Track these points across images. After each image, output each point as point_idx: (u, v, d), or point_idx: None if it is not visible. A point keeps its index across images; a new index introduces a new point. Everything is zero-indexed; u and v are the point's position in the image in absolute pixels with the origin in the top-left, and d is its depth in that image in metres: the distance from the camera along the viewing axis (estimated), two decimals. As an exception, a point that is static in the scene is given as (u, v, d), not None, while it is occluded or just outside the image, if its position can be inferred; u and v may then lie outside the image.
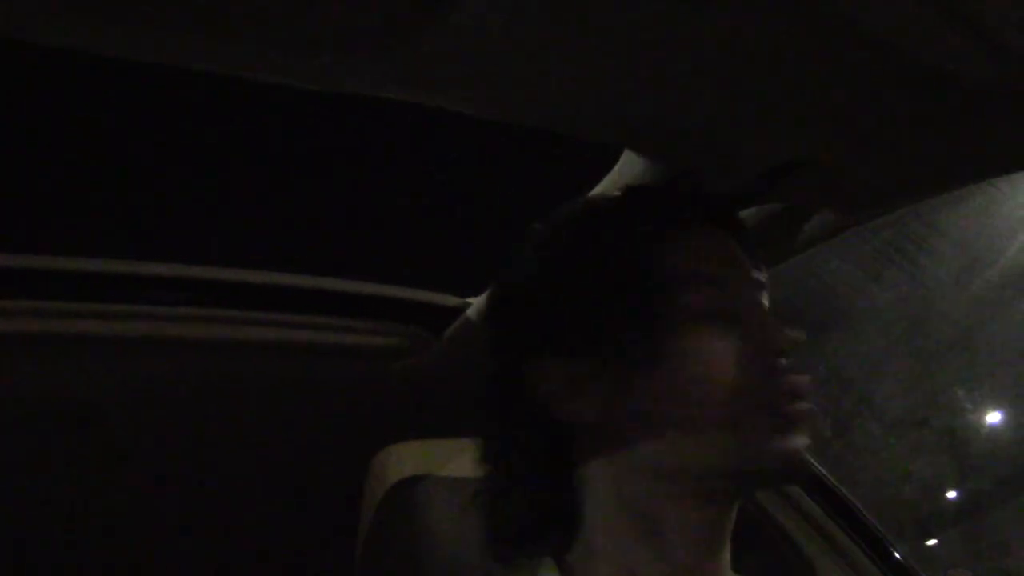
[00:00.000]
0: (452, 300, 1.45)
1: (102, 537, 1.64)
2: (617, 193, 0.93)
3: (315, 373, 1.47)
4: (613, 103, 0.92)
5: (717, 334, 0.81)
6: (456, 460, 1.11)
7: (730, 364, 0.80)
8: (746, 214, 1.09)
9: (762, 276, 0.88)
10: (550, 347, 0.85)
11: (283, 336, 1.37)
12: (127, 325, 1.27)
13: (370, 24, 0.73)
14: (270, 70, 0.80)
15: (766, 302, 0.87)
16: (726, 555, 0.85)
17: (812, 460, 1.50)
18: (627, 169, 1.06)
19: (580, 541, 0.86)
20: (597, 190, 1.12)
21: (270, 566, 1.82)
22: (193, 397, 1.44)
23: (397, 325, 1.45)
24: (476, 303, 1.40)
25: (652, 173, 1.04)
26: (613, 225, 0.86)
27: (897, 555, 1.49)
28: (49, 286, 1.24)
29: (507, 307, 0.91)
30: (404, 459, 1.10)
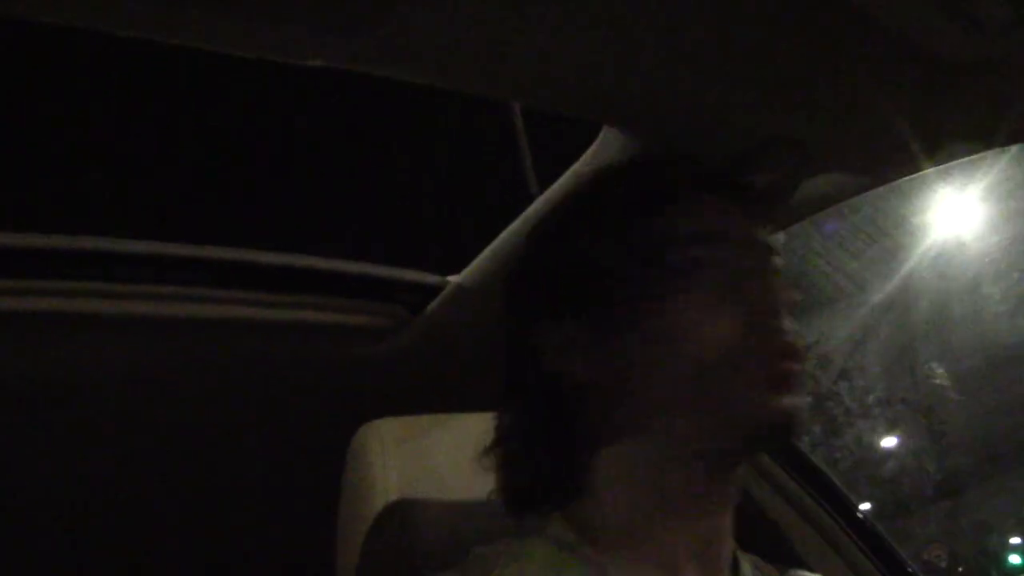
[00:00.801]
0: (431, 278, 1.45)
1: (79, 519, 1.64)
2: (618, 165, 0.93)
3: (293, 352, 1.47)
4: (593, 79, 0.92)
5: (706, 292, 0.81)
6: (435, 434, 1.11)
7: (717, 322, 0.80)
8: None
9: (769, 239, 0.87)
10: (550, 310, 0.86)
11: (259, 315, 1.37)
12: (102, 304, 1.26)
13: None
14: (243, 45, 0.79)
15: (769, 263, 0.86)
16: (730, 521, 0.86)
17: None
18: (607, 145, 1.06)
19: (591, 500, 0.86)
20: (577, 166, 1.12)
21: (251, 545, 1.82)
22: (169, 377, 1.43)
23: (376, 304, 1.45)
24: (455, 281, 1.40)
25: (632, 150, 1.04)
26: (615, 186, 0.88)
27: (873, 529, 1.50)
28: (23, 264, 1.23)
29: (516, 271, 0.93)
30: (384, 436, 1.10)
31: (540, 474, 0.87)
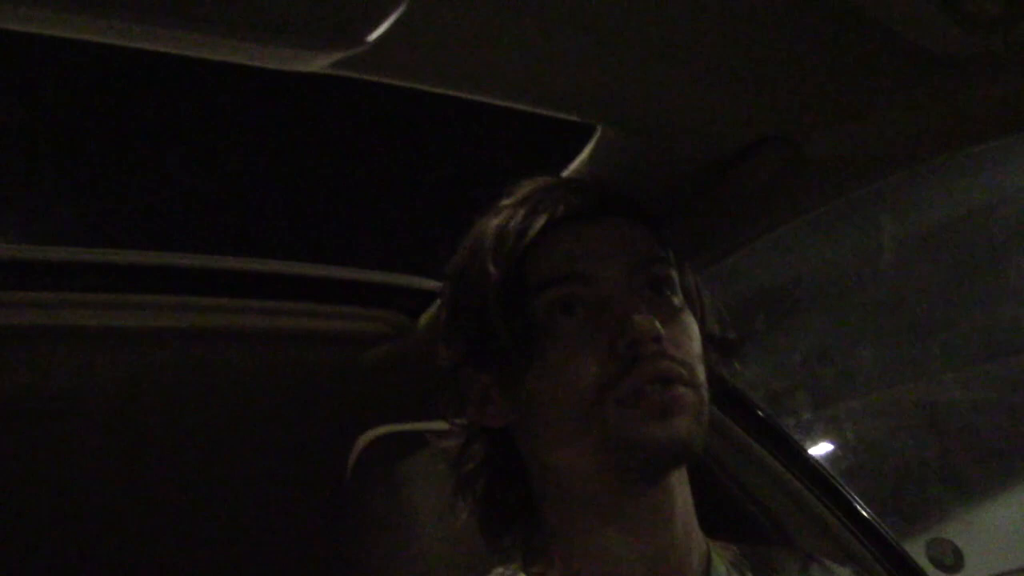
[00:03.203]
0: (429, 283, 1.45)
1: (81, 529, 1.63)
2: (509, 197, 0.92)
3: (292, 361, 1.47)
4: (586, 80, 0.92)
5: (572, 330, 0.83)
6: (439, 443, 1.11)
7: (584, 357, 0.82)
8: (721, 190, 1.09)
9: (647, 259, 0.87)
10: (468, 359, 0.89)
11: (258, 323, 1.37)
12: (101, 315, 1.27)
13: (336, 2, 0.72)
14: (239, 54, 0.79)
15: (642, 286, 0.85)
16: (681, 528, 0.87)
17: (766, 410, 1.51)
18: (601, 146, 1.06)
19: (542, 529, 0.90)
20: (573, 167, 1.12)
21: (252, 554, 1.82)
22: (165, 387, 1.43)
23: (374, 310, 1.45)
24: (453, 286, 1.40)
25: (626, 149, 1.04)
26: (488, 236, 0.88)
27: (864, 512, 1.51)
28: (21, 276, 1.23)
29: (440, 319, 0.96)
30: (387, 444, 1.10)
31: (496, 508, 0.92)
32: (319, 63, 0.81)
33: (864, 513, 1.51)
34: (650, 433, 0.79)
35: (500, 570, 0.89)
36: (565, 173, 1.11)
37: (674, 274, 0.88)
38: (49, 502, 1.57)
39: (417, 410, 1.18)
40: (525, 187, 0.92)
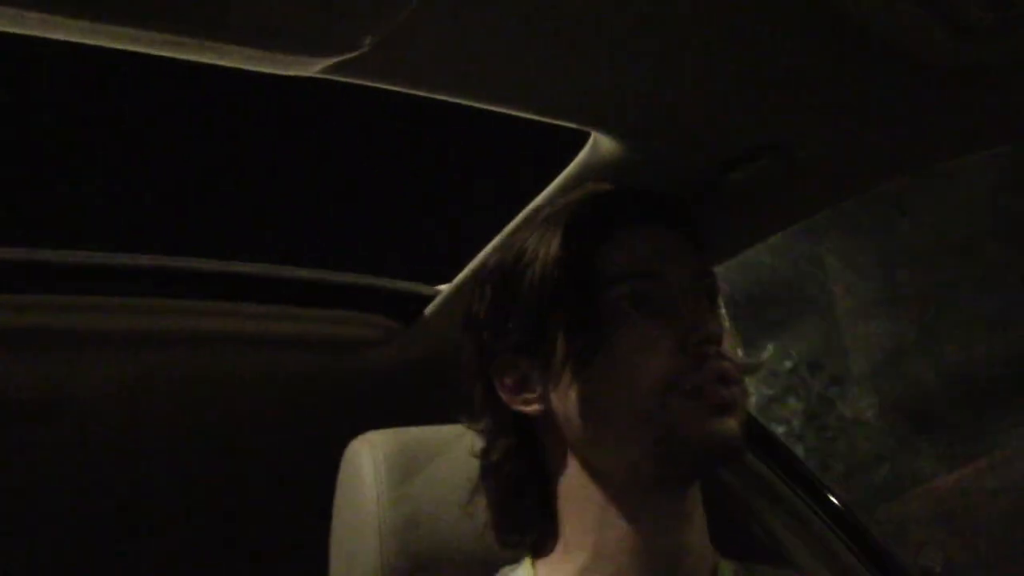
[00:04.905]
0: (422, 288, 1.45)
1: (80, 531, 1.63)
2: (571, 194, 0.96)
3: (283, 365, 1.46)
4: (581, 87, 0.92)
5: (642, 324, 0.86)
6: (428, 446, 1.11)
7: (654, 351, 0.85)
8: (714, 196, 1.09)
9: (704, 270, 0.92)
10: (507, 345, 0.90)
11: (249, 327, 1.36)
12: (98, 318, 1.26)
13: (334, 5, 0.72)
14: (238, 58, 0.79)
15: (703, 293, 0.89)
16: (697, 535, 0.90)
17: (776, 435, 1.52)
18: (596, 152, 1.06)
19: (558, 529, 0.91)
20: (566, 172, 1.12)
21: (245, 557, 1.82)
22: (163, 390, 1.43)
23: (366, 315, 1.44)
24: (446, 291, 1.40)
25: (620, 156, 1.04)
26: (556, 228, 0.91)
27: (855, 521, 1.51)
28: (16, 278, 1.23)
29: (475, 306, 0.96)
30: (376, 448, 1.10)
31: (518, 498, 0.93)
32: (315, 67, 0.80)
33: (859, 527, 1.51)
34: (709, 429, 0.83)
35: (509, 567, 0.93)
36: (560, 180, 1.11)
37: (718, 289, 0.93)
38: (48, 504, 1.57)
39: (409, 413, 1.18)
40: (589, 189, 0.96)
